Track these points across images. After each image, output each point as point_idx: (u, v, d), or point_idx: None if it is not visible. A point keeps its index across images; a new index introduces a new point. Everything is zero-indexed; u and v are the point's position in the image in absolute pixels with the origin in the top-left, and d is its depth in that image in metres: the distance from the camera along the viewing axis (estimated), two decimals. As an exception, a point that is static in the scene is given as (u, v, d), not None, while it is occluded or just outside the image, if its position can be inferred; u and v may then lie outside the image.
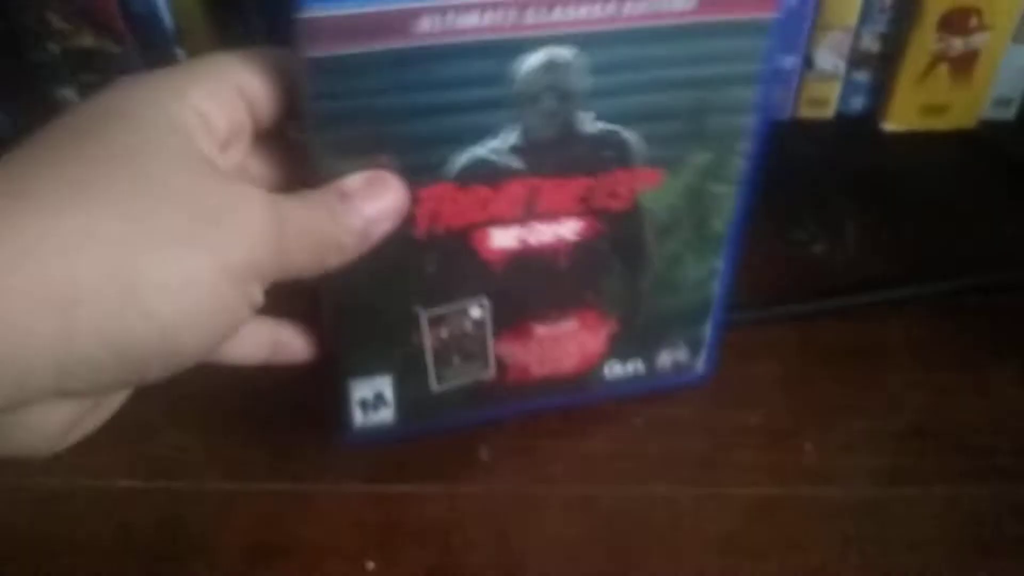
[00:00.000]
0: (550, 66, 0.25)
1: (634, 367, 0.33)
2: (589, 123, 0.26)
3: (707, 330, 0.32)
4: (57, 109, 0.37)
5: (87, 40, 0.35)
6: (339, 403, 0.30)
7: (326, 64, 0.23)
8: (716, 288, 0.31)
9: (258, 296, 0.22)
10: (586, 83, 0.25)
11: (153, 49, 0.36)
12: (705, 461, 0.32)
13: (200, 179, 0.20)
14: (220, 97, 0.22)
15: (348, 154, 0.24)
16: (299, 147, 0.24)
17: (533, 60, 0.24)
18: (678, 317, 0.32)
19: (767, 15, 0.25)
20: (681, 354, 0.33)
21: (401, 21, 0.23)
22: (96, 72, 0.36)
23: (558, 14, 0.24)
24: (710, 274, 0.31)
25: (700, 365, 0.33)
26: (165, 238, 0.19)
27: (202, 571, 0.30)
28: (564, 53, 0.25)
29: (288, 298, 0.25)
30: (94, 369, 0.18)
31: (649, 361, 0.33)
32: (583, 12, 0.24)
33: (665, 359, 0.33)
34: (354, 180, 0.24)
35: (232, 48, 0.23)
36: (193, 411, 0.35)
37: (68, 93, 0.37)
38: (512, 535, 0.30)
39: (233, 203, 0.20)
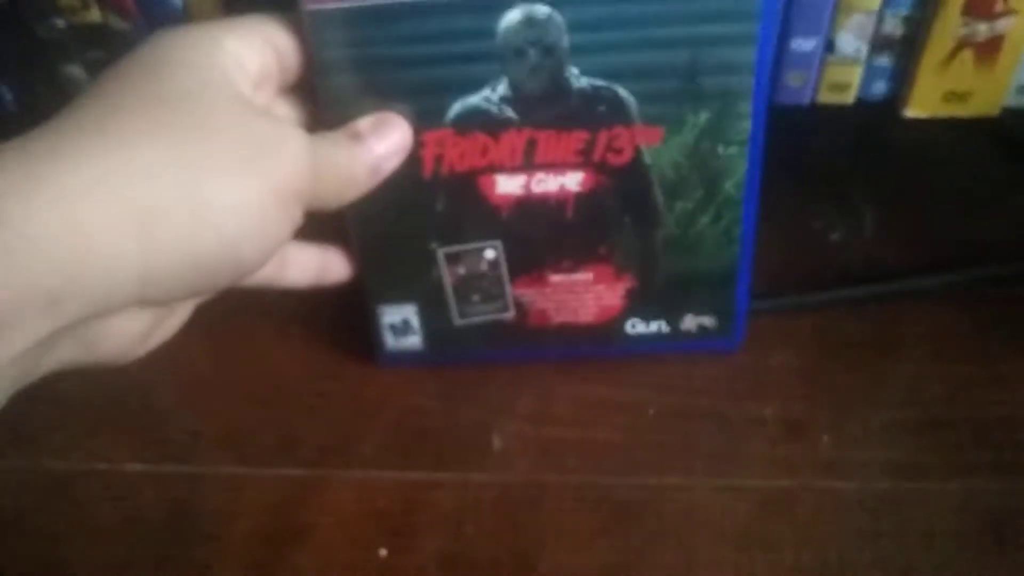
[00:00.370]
0: (529, 22, 0.26)
1: (657, 326, 0.33)
2: (579, 78, 0.28)
3: (733, 297, 0.33)
4: (63, 86, 0.37)
5: (94, 16, 0.34)
6: (371, 327, 0.33)
7: (323, 17, 0.26)
8: (738, 254, 0.32)
9: (299, 217, 0.25)
10: (568, 39, 0.27)
11: (161, 25, 0.35)
12: (719, 453, 0.32)
13: (246, 116, 0.23)
14: (250, 42, 0.25)
15: (353, 99, 0.27)
16: (316, 93, 0.28)
17: (511, 17, 0.26)
18: (700, 280, 0.32)
19: None
20: (707, 319, 0.33)
21: None
22: (103, 49, 0.36)
23: None
24: (728, 238, 0.31)
25: (728, 332, 0.34)
26: (225, 166, 0.22)
27: (212, 556, 0.30)
28: (542, 10, 0.26)
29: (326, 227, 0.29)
30: (171, 279, 0.21)
31: (673, 323, 0.33)
32: None
33: (690, 322, 0.33)
34: (364, 122, 0.27)
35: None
36: (205, 396, 0.35)
37: (75, 70, 0.36)
38: (524, 524, 0.30)
39: (278, 138, 0.23)
